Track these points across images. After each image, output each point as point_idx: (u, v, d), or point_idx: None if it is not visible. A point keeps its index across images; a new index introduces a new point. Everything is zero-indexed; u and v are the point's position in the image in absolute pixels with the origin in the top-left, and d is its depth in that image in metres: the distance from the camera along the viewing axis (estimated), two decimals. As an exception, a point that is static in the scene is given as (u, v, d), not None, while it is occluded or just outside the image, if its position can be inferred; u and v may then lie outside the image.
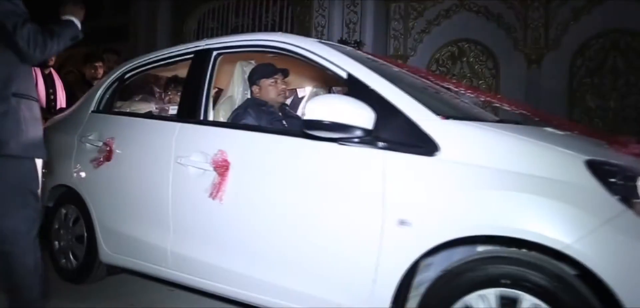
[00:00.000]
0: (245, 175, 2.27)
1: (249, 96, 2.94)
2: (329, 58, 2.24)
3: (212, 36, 8.81)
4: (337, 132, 1.93)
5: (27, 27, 2.01)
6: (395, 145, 1.94)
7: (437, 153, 1.86)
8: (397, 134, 1.95)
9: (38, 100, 2.21)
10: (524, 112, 2.36)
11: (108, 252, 2.88)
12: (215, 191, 2.30)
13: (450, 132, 1.90)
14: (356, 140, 1.98)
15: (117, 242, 2.83)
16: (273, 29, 8.60)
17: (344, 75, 2.17)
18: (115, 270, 3.12)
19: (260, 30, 8.68)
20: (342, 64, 2.20)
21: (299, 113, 3.33)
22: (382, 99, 2.02)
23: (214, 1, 9.15)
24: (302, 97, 3.64)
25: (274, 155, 2.24)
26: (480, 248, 1.93)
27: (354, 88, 2.11)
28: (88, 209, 2.96)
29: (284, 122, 2.81)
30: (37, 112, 2.18)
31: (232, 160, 2.30)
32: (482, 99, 2.40)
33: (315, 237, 2.07)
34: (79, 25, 2.26)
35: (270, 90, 2.84)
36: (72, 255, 3.16)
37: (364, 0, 8.14)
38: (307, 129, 1.97)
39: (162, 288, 3.15)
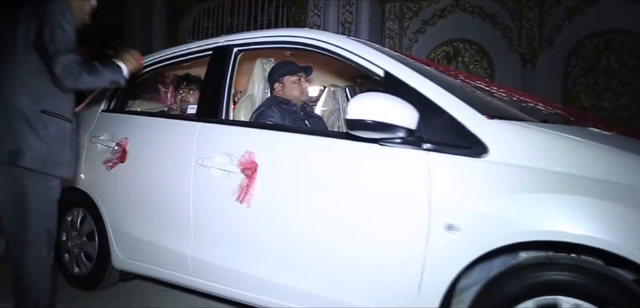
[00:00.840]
0: (275, 177, 2.12)
1: (269, 94, 2.78)
2: (363, 55, 2.09)
3: (207, 36, 8.62)
4: (381, 131, 1.79)
5: (68, 57, 1.99)
6: (440, 146, 1.81)
7: (486, 154, 1.73)
8: (441, 134, 1.82)
9: (72, 121, 2.17)
10: (559, 111, 2.25)
11: (122, 258, 2.69)
12: (242, 194, 2.14)
13: (498, 133, 1.78)
14: (398, 140, 1.84)
15: (132, 247, 2.64)
16: (269, 28, 8.43)
17: (381, 73, 2.03)
18: (128, 277, 2.95)
19: (255, 29, 8.50)
20: (379, 61, 2.06)
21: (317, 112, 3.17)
22: (423, 97, 1.89)
23: (209, 1, 8.93)
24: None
25: (307, 156, 2.08)
26: (524, 255, 1.81)
27: (392, 87, 1.96)
28: (100, 213, 2.77)
29: (307, 122, 2.65)
30: (67, 132, 2.14)
31: (260, 161, 2.14)
32: (515, 98, 2.29)
33: (354, 242, 1.93)
34: (125, 73, 2.25)
35: (294, 88, 2.69)
36: (82, 261, 2.96)
37: (359, 0, 8.01)
38: (350, 129, 1.82)
39: (158, 289, 3.04)
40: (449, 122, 1.82)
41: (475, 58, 7.51)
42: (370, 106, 1.78)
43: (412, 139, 1.82)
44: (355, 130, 1.81)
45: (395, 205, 1.84)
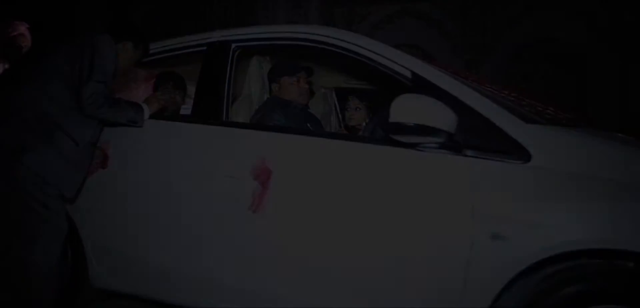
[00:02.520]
0: (293, 185, 1.88)
1: (266, 94, 2.52)
2: (388, 56, 1.92)
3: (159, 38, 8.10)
4: (421, 135, 1.61)
5: (97, 86, 2.02)
6: (479, 151, 1.66)
7: (529, 160, 1.60)
8: (480, 139, 1.67)
9: (78, 144, 2.08)
10: (569, 115, 2.18)
11: (102, 276, 2.32)
12: (255, 203, 1.88)
13: (539, 138, 1.66)
14: (436, 145, 1.67)
15: (115, 263, 2.27)
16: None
17: (408, 74, 1.86)
18: (105, 296, 2.56)
19: (204, 31, 8.10)
20: (404, 62, 1.90)
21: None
22: (458, 101, 1.73)
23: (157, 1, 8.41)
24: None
25: (332, 162, 1.86)
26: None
27: (421, 90, 1.78)
28: (74, 224, 2.37)
29: (309, 125, 2.43)
30: (68, 151, 2.06)
31: (274, 167, 1.89)
32: (525, 102, 2.19)
33: (386, 254, 1.73)
34: (145, 115, 2.22)
35: (292, 89, 2.45)
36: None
37: (308, 3, 7.87)
38: (392, 133, 1.63)
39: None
40: (486, 127, 1.68)
41: (422, 63, 7.57)
42: (412, 108, 1.60)
43: (452, 144, 1.66)
44: (396, 134, 1.62)
45: (434, 214, 1.67)
